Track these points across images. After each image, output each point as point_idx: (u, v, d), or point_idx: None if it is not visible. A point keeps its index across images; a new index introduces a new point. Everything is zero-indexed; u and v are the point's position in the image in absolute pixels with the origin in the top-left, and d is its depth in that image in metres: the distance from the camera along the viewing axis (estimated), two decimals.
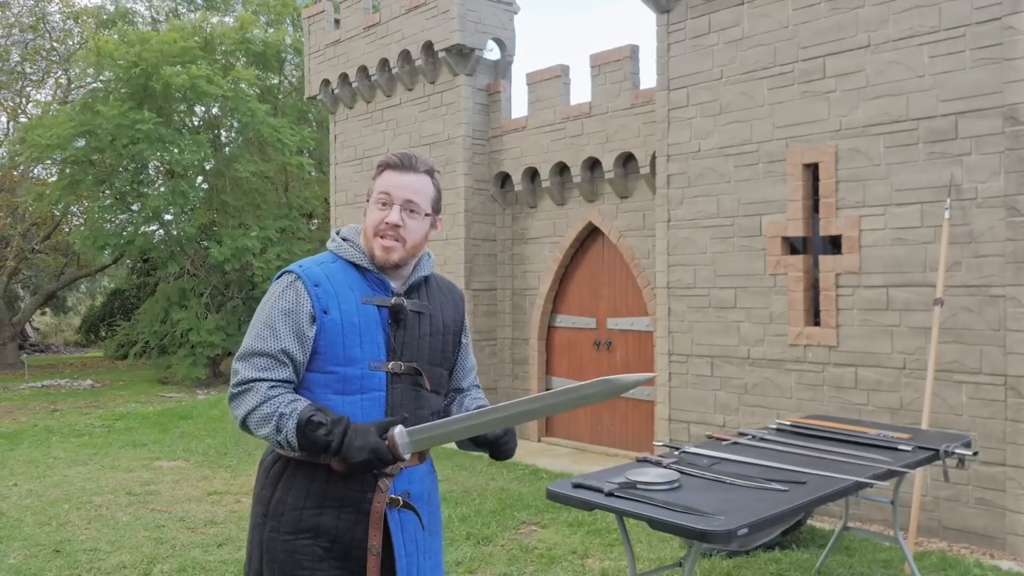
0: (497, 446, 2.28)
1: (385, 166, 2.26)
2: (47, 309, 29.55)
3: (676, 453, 3.93)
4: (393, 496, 2.18)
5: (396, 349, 2.21)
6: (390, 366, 2.19)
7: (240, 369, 2.13)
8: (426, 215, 2.27)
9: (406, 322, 2.24)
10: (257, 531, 2.19)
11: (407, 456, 2.08)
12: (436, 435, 2.09)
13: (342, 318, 2.15)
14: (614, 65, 8.66)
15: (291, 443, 2.06)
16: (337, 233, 2.31)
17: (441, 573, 2.39)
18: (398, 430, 2.06)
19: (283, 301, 2.16)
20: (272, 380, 2.11)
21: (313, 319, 2.14)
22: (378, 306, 2.21)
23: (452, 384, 2.46)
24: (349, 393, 2.15)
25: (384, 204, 2.22)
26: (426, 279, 2.38)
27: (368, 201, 2.28)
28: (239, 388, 2.11)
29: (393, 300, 2.23)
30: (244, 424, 2.11)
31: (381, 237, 2.22)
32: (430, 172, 2.29)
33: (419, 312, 2.29)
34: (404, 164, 2.25)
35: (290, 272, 2.20)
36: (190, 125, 16.62)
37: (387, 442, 2.04)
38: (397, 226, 2.21)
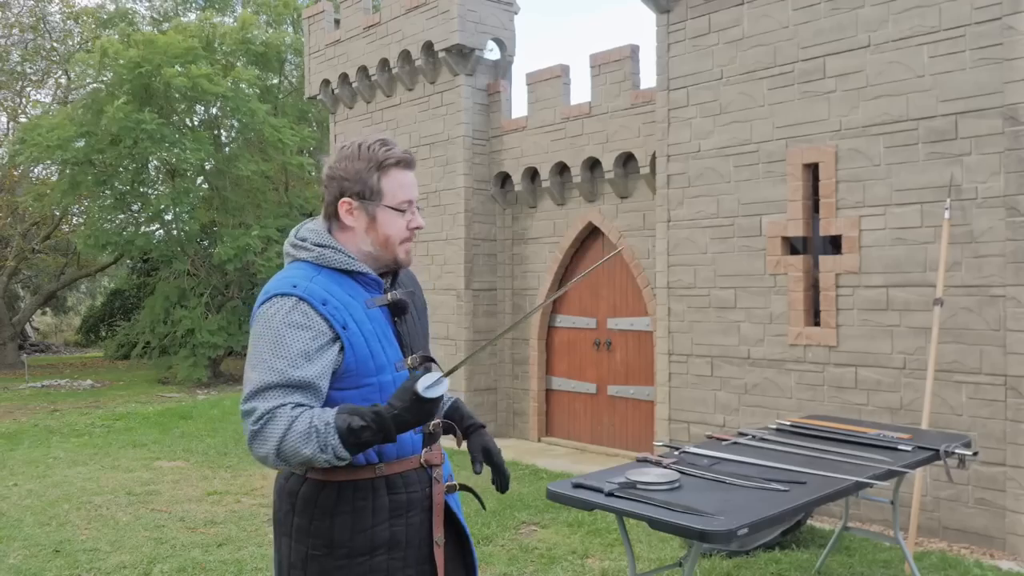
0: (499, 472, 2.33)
1: (396, 163, 2.12)
2: (47, 309, 29.55)
3: (676, 453, 3.92)
4: (450, 484, 2.22)
5: (407, 343, 2.16)
6: (409, 361, 2.13)
7: (257, 406, 1.91)
8: None
9: (404, 314, 2.18)
10: (316, 564, 2.06)
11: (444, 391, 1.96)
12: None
13: (360, 328, 2.04)
14: (614, 65, 8.66)
15: (340, 457, 1.91)
16: (302, 240, 2.13)
17: None
18: (443, 387, 1.94)
19: (292, 328, 1.97)
20: (292, 403, 1.93)
21: (335, 339, 2.00)
22: (381, 305, 2.13)
23: None
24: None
25: (406, 210, 2.14)
26: None
27: (368, 203, 2.11)
28: (259, 423, 1.89)
29: (390, 296, 2.15)
30: (278, 454, 1.89)
31: (404, 241, 2.15)
32: None
33: (407, 299, 2.20)
34: (412, 161, 2.16)
35: (287, 295, 2.00)
36: (190, 125, 16.63)
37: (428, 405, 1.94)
38: (421, 228, 2.17)
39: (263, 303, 2.03)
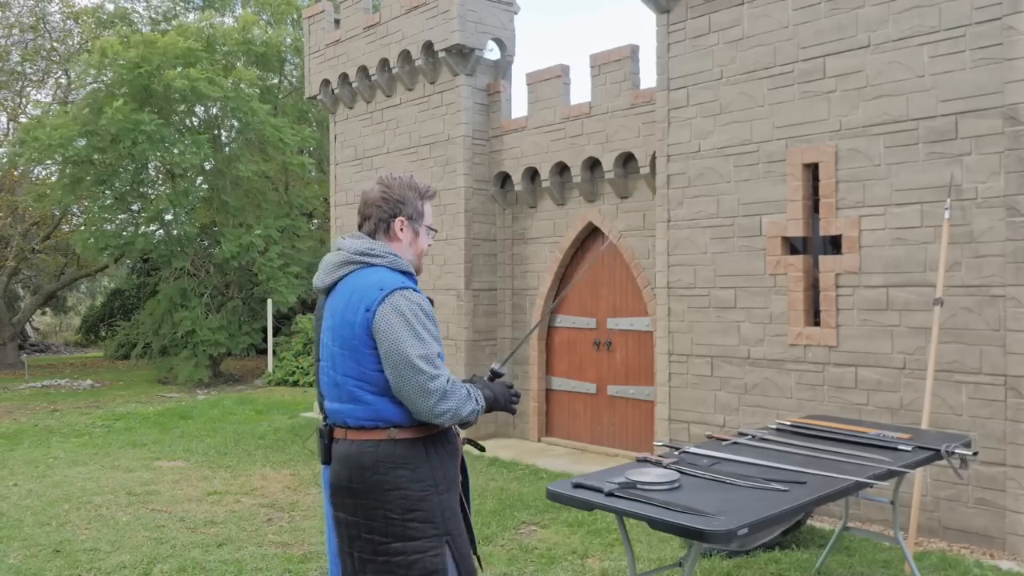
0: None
1: (431, 195, 2.88)
2: (47, 309, 29.56)
3: (676, 453, 3.92)
4: (462, 437, 2.90)
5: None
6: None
7: (445, 372, 2.61)
8: None
9: None
10: (430, 501, 2.67)
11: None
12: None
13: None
14: (614, 65, 8.66)
15: (479, 408, 2.70)
16: (369, 250, 2.71)
17: None
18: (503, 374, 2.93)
19: (427, 312, 2.66)
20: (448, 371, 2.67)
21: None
22: None
23: None
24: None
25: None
26: None
27: (415, 222, 2.83)
28: (450, 384, 2.60)
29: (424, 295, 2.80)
30: (455, 410, 2.60)
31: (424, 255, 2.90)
32: None
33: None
34: (436, 194, 2.93)
35: (407, 288, 2.64)
36: (190, 125, 16.62)
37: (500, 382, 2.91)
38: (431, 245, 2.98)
39: (387, 296, 2.60)
